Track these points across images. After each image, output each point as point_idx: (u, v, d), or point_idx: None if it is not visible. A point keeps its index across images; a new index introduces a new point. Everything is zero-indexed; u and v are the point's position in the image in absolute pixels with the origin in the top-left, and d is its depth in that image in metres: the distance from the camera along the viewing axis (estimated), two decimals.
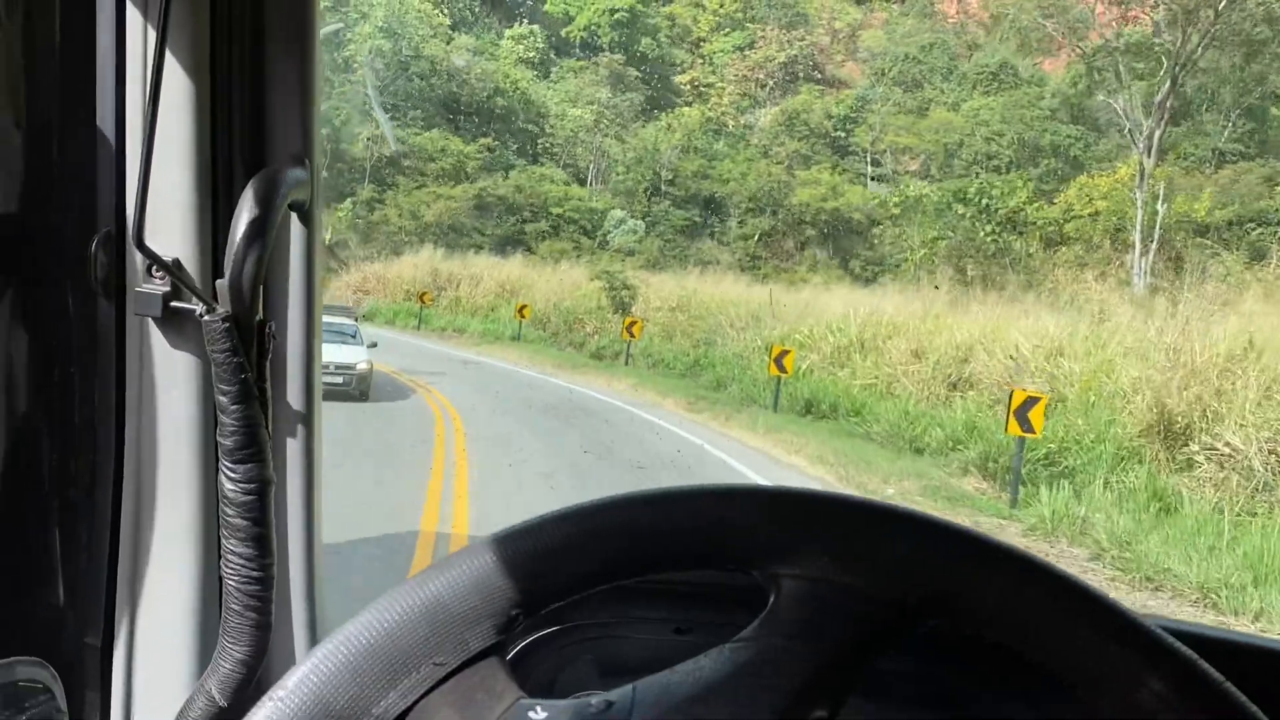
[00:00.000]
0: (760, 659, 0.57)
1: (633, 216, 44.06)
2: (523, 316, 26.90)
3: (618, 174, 47.21)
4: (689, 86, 57.00)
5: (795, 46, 56.51)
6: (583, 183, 47.60)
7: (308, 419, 1.07)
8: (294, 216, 1.03)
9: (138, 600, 1.01)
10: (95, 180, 0.96)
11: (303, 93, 1.02)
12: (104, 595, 1.00)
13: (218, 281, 0.93)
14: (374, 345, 14.94)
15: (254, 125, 1.01)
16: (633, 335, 22.13)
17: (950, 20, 58.03)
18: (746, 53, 57.57)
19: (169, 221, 0.95)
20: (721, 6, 60.22)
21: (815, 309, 21.98)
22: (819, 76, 57.37)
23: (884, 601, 0.57)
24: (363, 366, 13.80)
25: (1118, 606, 0.56)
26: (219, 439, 0.94)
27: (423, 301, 29.98)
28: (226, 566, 0.95)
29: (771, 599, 0.59)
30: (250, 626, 0.94)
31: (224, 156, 0.99)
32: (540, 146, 49.13)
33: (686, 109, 52.92)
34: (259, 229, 0.92)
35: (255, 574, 0.95)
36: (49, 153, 0.96)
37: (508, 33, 55.48)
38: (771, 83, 56.35)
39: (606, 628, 0.94)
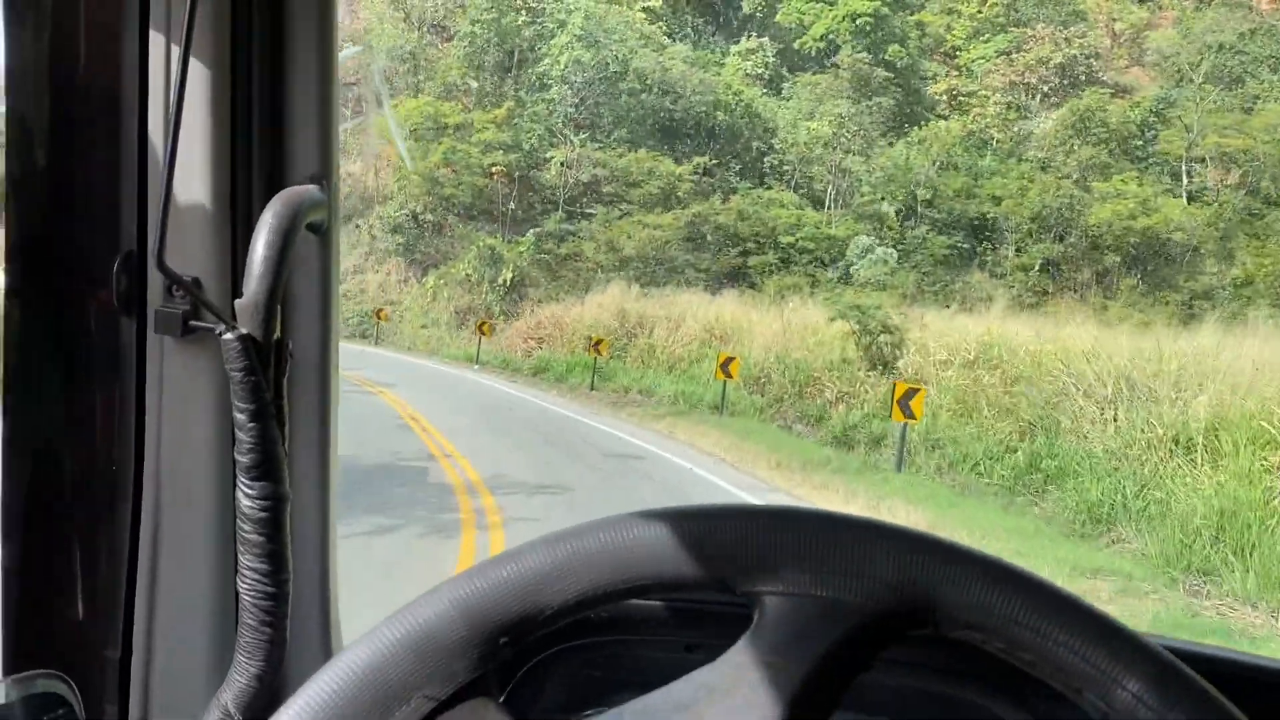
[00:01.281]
0: (745, 676, 0.58)
1: (882, 244, 34.77)
2: (729, 376, 18.27)
3: (862, 195, 38.22)
4: (944, 98, 47.29)
5: (1074, 45, 45.62)
6: (819, 206, 38.81)
7: (324, 437, 1.09)
8: (313, 237, 1.04)
9: (155, 614, 1.02)
10: (118, 201, 0.99)
11: (322, 114, 1.05)
12: (122, 609, 1.02)
13: (236, 301, 0.93)
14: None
15: (273, 146, 1.03)
16: (910, 413, 12.65)
17: (1266, 9, 45.37)
18: (1013, 57, 47.23)
19: (189, 241, 0.96)
20: (980, 11, 50.17)
21: (1223, 368, 11.96)
22: (1102, 80, 46.11)
23: (866, 613, 0.59)
24: None
25: (1093, 610, 0.58)
26: (236, 456, 0.94)
27: (596, 351, 22.15)
28: (242, 582, 0.95)
29: (755, 617, 0.60)
30: (265, 642, 0.94)
31: (244, 177, 1.01)
32: (767, 165, 40.94)
33: (942, 122, 43.35)
34: (277, 249, 0.91)
35: (270, 590, 0.95)
36: (73, 174, 0.98)
37: (734, 48, 47.93)
38: (1046, 88, 45.70)
39: (620, 646, 0.97)
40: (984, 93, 45.80)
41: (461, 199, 34.14)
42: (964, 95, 46.27)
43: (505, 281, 31.26)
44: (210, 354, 0.99)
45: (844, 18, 46.29)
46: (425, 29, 38.22)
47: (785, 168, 40.56)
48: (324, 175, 1.04)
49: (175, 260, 0.94)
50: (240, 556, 0.94)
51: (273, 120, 1.03)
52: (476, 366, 24.95)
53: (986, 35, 48.32)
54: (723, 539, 0.61)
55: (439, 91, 36.59)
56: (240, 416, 0.92)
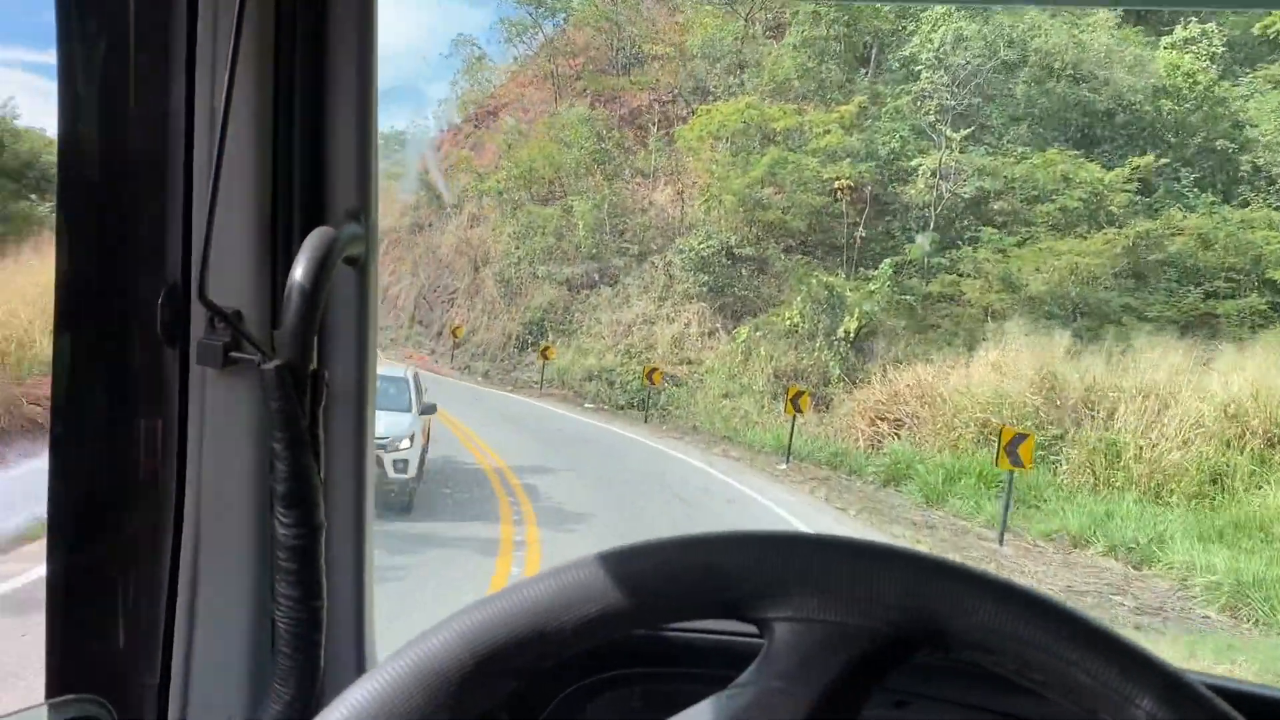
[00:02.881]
0: (756, 703, 0.59)
1: None
2: None
3: None
4: None
5: None
6: None
7: (360, 466, 1.10)
8: (351, 271, 1.06)
9: (193, 640, 1.04)
10: (163, 237, 1.01)
11: (360, 150, 1.06)
12: (161, 634, 1.04)
13: (275, 332, 0.97)
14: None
15: (313, 182, 1.05)
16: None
17: None
18: None
19: (231, 275, 0.99)
20: None
21: None
22: None
23: (874, 636, 0.59)
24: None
25: (1104, 628, 0.57)
26: (272, 484, 0.96)
27: (1014, 461, 11.13)
28: (278, 609, 0.97)
29: (766, 643, 0.61)
30: (300, 668, 0.97)
31: (284, 212, 1.03)
32: (1240, 174, 27.63)
33: None
34: (315, 282, 0.94)
35: (305, 617, 0.97)
36: (121, 212, 1.00)
37: (1164, 40, 34.79)
38: None
39: (650, 681, 0.99)
40: None
41: (791, 225, 25.65)
42: None
43: (847, 333, 21.79)
44: (250, 384, 1.02)
45: None
46: (752, 18, 29.59)
47: (1265, 180, 27.16)
48: (362, 210, 1.07)
49: (217, 293, 0.96)
50: (276, 584, 0.97)
51: (313, 157, 1.05)
52: (784, 466, 15.00)
53: None
54: (730, 565, 0.61)
55: (767, 90, 27.74)
56: (277, 446, 0.94)
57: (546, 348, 24.83)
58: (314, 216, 1.03)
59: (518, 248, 28.34)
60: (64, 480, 1.03)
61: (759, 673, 0.60)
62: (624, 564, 0.60)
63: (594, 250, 27.09)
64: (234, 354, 0.99)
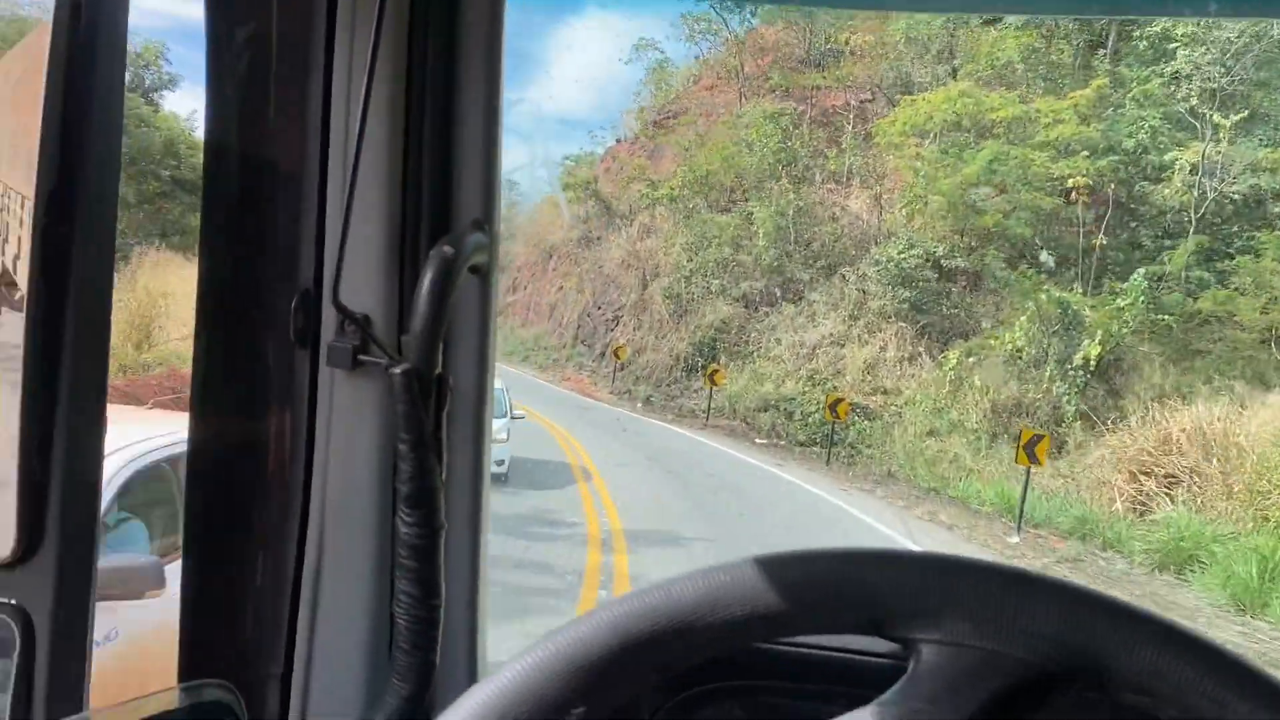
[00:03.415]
0: None
1: None
2: None
3: None
4: None
5: None
6: None
7: (477, 469, 1.12)
8: (474, 278, 1.08)
9: (315, 632, 1.08)
10: (298, 243, 1.05)
11: (487, 161, 1.09)
12: (285, 626, 1.08)
13: (403, 337, 1.01)
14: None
15: (441, 191, 1.08)
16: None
17: None
18: None
19: (361, 281, 1.03)
20: None
21: None
22: None
23: (1028, 668, 0.58)
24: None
25: (1273, 678, 0.56)
26: (397, 485, 0.99)
27: None
28: (398, 606, 1.00)
29: (911, 665, 0.60)
30: (418, 665, 1.00)
31: (412, 220, 1.06)
32: None
33: None
34: (442, 290, 0.97)
35: (424, 615, 1.00)
36: (260, 219, 1.05)
37: None
38: None
39: (768, 693, 0.99)
40: None
41: (1013, 231, 21.71)
42: None
43: (1086, 360, 17.71)
44: (376, 387, 1.05)
45: None
46: None
47: None
48: (486, 220, 1.09)
49: (347, 298, 1.00)
50: (396, 582, 1.00)
51: (441, 167, 1.08)
52: (1016, 539, 11.22)
53: None
54: (879, 581, 0.61)
55: (985, 76, 23.87)
56: (402, 447, 0.97)
57: (715, 371, 22.14)
58: (440, 225, 1.07)
59: (690, 260, 26.18)
60: (200, 472, 1.08)
61: (903, 694, 0.59)
62: (773, 570, 0.61)
63: (775, 262, 24.49)
64: (362, 357, 1.02)
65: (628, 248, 28.74)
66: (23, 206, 0.83)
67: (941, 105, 22.74)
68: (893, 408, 19.52)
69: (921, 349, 20.95)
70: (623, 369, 25.66)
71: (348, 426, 1.06)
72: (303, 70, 1.02)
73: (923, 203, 22.56)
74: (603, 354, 27.19)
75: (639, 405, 23.29)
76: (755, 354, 22.99)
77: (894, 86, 26.05)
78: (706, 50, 32.30)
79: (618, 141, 34.34)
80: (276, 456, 1.07)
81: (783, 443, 19.24)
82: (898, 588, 0.60)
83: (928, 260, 21.94)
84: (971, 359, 19.37)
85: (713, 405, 21.75)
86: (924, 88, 24.70)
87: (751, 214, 25.22)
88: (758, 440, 19.27)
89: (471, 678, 1.12)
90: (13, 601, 0.84)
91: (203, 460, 1.08)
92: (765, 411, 20.74)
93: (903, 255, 22.00)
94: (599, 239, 30.77)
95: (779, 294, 24.20)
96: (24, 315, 0.80)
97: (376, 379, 1.04)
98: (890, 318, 21.70)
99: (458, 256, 0.98)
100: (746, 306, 24.41)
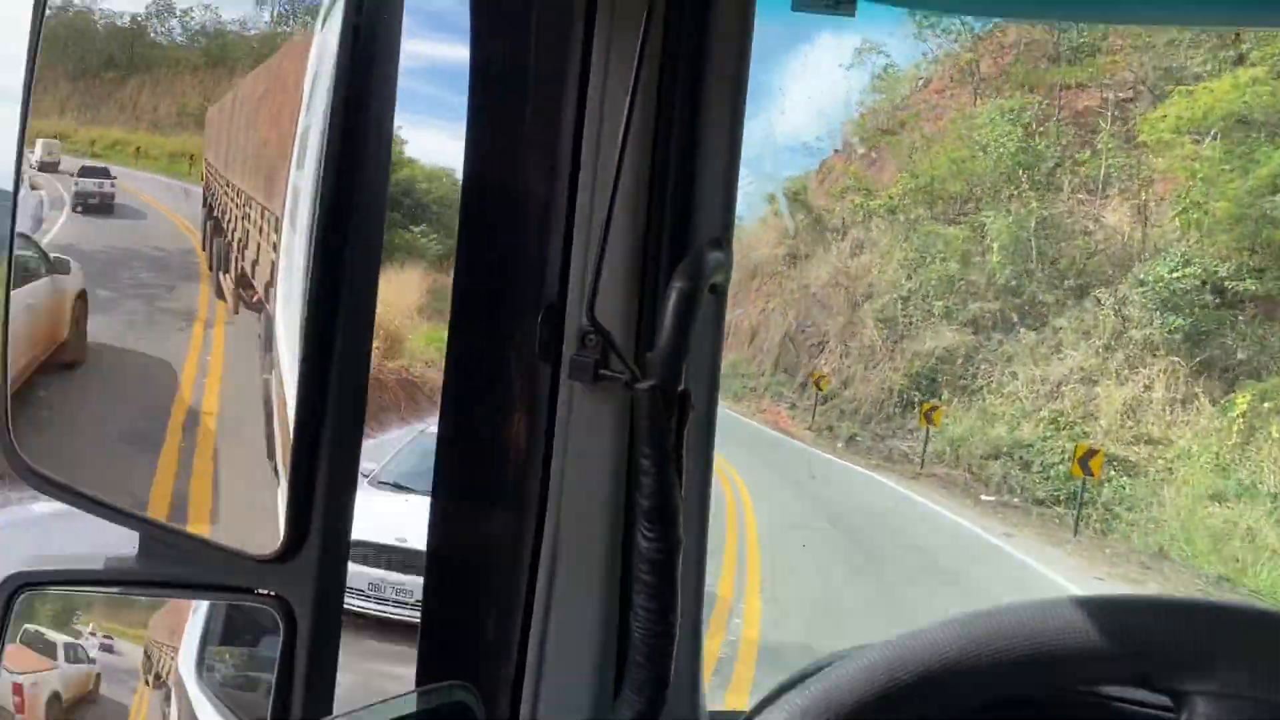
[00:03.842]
0: None
1: None
2: None
3: None
4: None
5: None
6: None
7: (704, 487, 1.15)
8: (710, 296, 1.10)
9: (547, 639, 1.10)
10: (545, 262, 1.10)
11: (727, 179, 1.12)
12: (519, 631, 1.11)
13: (648, 354, 1.02)
14: None
15: (683, 211, 1.10)
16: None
17: None
18: None
19: (604, 297, 1.05)
20: None
21: None
22: None
23: None
24: None
25: None
26: (639, 499, 1.01)
27: None
28: (635, 620, 1.02)
29: (1183, 716, 0.61)
30: (652, 679, 1.02)
31: (654, 238, 1.09)
32: None
33: None
34: (687, 308, 1.00)
35: (661, 630, 1.01)
36: (511, 240, 1.11)
37: None
38: None
39: None
40: None
41: None
42: None
43: None
44: (613, 401, 1.07)
45: None
46: None
47: None
48: (724, 238, 1.11)
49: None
50: (635, 596, 1.02)
51: (684, 187, 1.10)
52: None
53: None
54: (1149, 631, 0.62)
55: None
56: (645, 462, 1.00)
57: (933, 408, 19.38)
58: (680, 245, 1.10)
59: (909, 278, 23.78)
60: (446, 478, 1.13)
61: None
62: (1034, 618, 0.62)
63: (1012, 281, 21.67)
64: (603, 371, 1.05)
65: (838, 265, 26.57)
66: (262, 215, 0.90)
67: (1226, 96, 19.28)
68: (1161, 462, 16.34)
69: (1198, 389, 17.65)
70: (825, 401, 23.41)
71: (585, 438, 1.09)
72: (556, 105, 1.08)
73: (1201, 213, 19.21)
74: (804, 384, 25.10)
75: (839, 445, 20.83)
76: (984, 389, 20.16)
77: (1163, 80, 22.46)
78: (936, 49, 29.47)
79: (835, 153, 32.16)
80: (516, 465, 1.11)
81: (1015, 500, 16.26)
82: (1165, 636, 0.60)
83: (1206, 282, 18.77)
84: (1267, 404, 15.79)
85: (929, 449, 19.04)
86: (1199, 79, 21.03)
87: (984, 225, 22.60)
88: (984, 497, 16.32)
89: (695, 694, 1.16)
90: (278, 594, 0.89)
91: (449, 466, 1.13)
92: (995, 460, 17.86)
93: (1175, 275, 18.84)
94: (807, 256, 28.80)
95: (1016, 318, 21.33)
96: (300, 320, 0.85)
97: (613, 393, 1.06)
98: (1158, 350, 18.62)
99: (701, 275, 1.02)
100: (976, 332, 21.69)
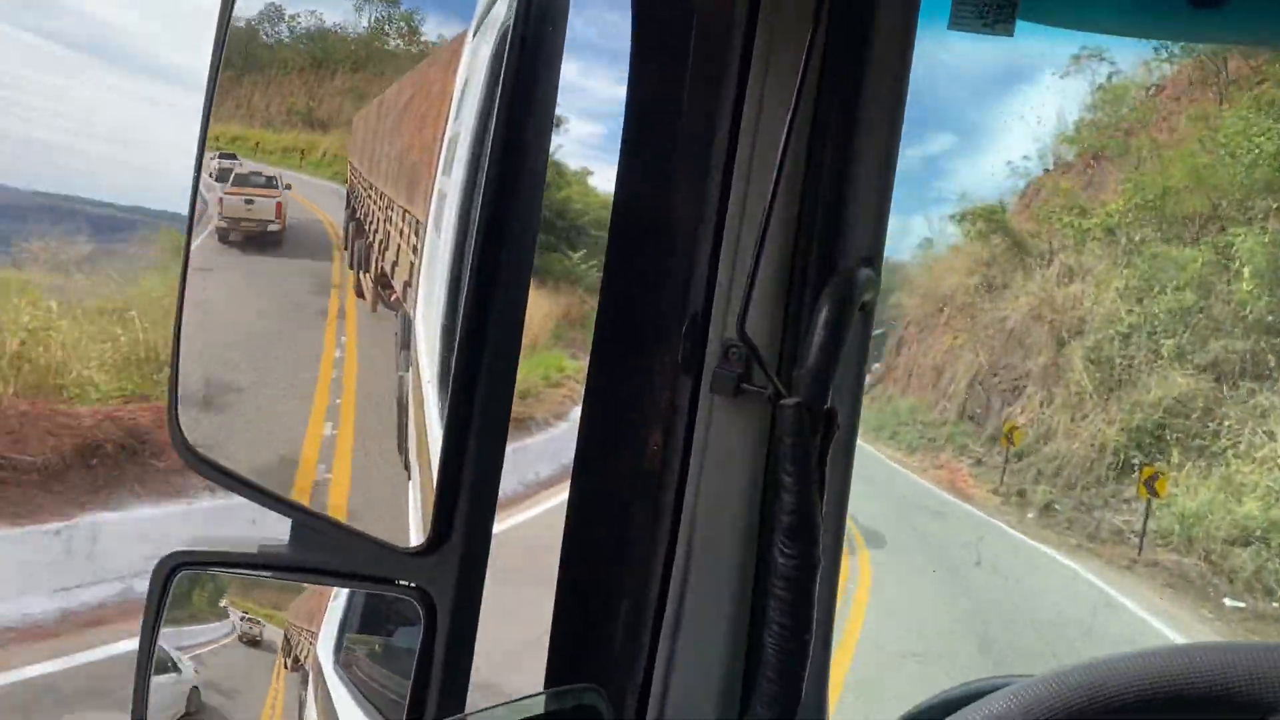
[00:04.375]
0: None
1: None
2: None
3: None
4: None
5: None
6: None
7: (841, 506, 1.17)
8: (859, 315, 1.11)
9: (676, 648, 1.12)
10: (691, 275, 1.11)
11: (880, 196, 1.13)
12: (649, 639, 1.13)
13: (796, 371, 1.04)
14: None
15: (834, 227, 1.11)
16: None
17: None
18: None
19: (751, 312, 1.05)
20: None
21: None
22: None
23: None
24: None
25: None
26: (779, 515, 1.03)
27: None
28: (769, 635, 1.04)
29: None
30: (784, 696, 1.04)
31: (802, 253, 1.11)
32: None
33: None
34: (838, 326, 1.02)
35: (795, 648, 1.03)
36: (658, 252, 1.13)
37: None
38: None
39: None
40: None
41: None
42: None
43: None
44: (753, 415, 1.09)
45: None
46: None
47: None
48: (874, 257, 1.12)
49: (734, 329, 1.07)
50: (769, 611, 1.04)
51: (836, 203, 1.11)
52: None
53: None
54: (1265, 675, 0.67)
55: None
56: (787, 479, 1.01)
57: (1157, 475, 15.16)
58: (830, 260, 1.10)
59: (1130, 310, 19.76)
60: (584, 484, 1.15)
61: None
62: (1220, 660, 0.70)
63: (1268, 316, 17.35)
64: (745, 385, 1.06)
65: (1041, 295, 22.74)
66: (404, 218, 0.93)
67: None
68: None
69: None
70: (1017, 459, 19.49)
71: (723, 452, 1.11)
72: (714, 103, 1.10)
73: None
74: (994, 437, 21.25)
75: (1029, 515, 16.80)
76: (1229, 452, 15.72)
77: None
78: (1173, 45, 25.33)
79: (1045, 172, 28.39)
80: (654, 474, 1.13)
81: (1276, 604, 12.08)
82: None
83: None
84: None
85: (1151, 527, 14.80)
86: None
87: (1230, 245, 18.35)
88: (1228, 601, 12.16)
89: (821, 713, 1.17)
90: (420, 586, 0.91)
91: (587, 473, 1.15)
92: (1244, 547, 13.48)
93: None
94: (1005, 286, 25.08)
95: (1274, 362, 16.85)
96: (459, 322, 0.87)
97: (754, 408, 1.08)
98: None
99: (852, 293, 1.03)
100: (1218, 379, 17.35)
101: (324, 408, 1.00)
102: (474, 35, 0.87)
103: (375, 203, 0.98)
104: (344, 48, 1.07)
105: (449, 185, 0.88)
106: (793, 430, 0.99)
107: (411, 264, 0.92)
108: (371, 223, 0.98)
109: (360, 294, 0.99)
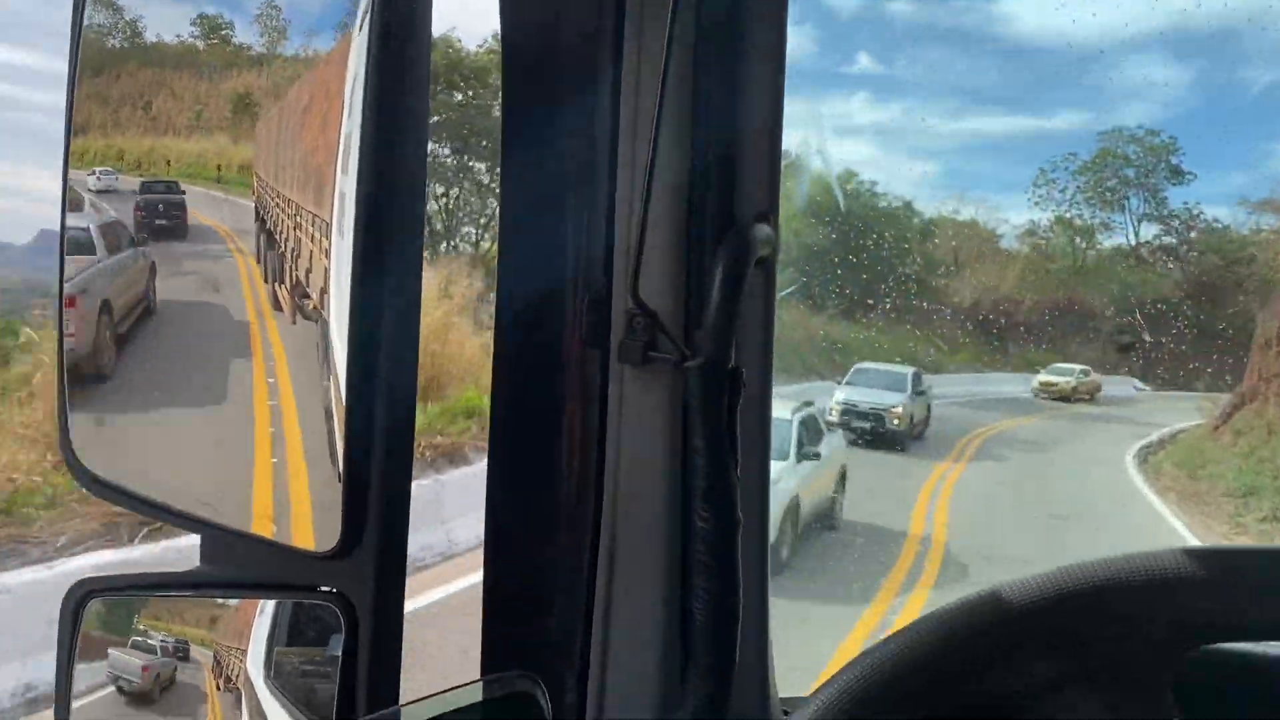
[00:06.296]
0: None
1: None
2: None
3: None
4: None
5: None
6: None
7: (762, 465, 1.15)
8: (758, 270, 1.10)
9: (610, 625, 1.10)
10: (588, 245, 1.09)
11: (771, 153, 1.12)
12: (582, 620, 1.11)
13: (696, 332, 1.02)
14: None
15: (725, 185, 1.10)
16: None
17: None
18: None
19: (648, 278, 1.04)
20: None
21: None
22: None
23: None
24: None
25: None
26: (694, 481, 1.02)
27: None
28: (696, 603, 1.02)
29: None
30: (718, 663, 1.03)
31: (697, 215, 1.08)
32: None
33: None
34: (733, 284, 1.01)
35: (723, 612, 1.02)
36: (554, 224, 1.09)
37: None
38: None
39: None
40: None
41: None
42: None
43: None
44: (664, 382, 1.06)
45: None
46: None
47: None
48: (769, 212, 1.10)
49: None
50: (694, 578, 1.02)
51: (725, 160, 1.09)
52: None
53: None
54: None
55: None
56: (699, 442, 1.00)
57: None
58: (724, 219, 1.08)
59: None
60: (501, 471, 1.12)
61: None
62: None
63: None
64: (651, 353, 1.03)
65: None
66: (313, 223, 0.90)
67: None
68: None
69: None
70: None
71: (637, 422, 1.08)
72: (591, 68, 1.07)
73: None
74: None
75: None
76: None
77: None
78: None
79: None
80: (570, 452, 1.10)
81: None
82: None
83: None
84: None
85: None
86: None
87: None
88: None
89: (764, 676, 1.15)
90: (338, 590, 0.89)
91: (502, 458, 1.11)
92: None
93: None
94: None
95: None
96: (347, 324, 0.84)
97: (664, 375, 1.06)
98: None
99: (746, 250, 1.02)
100: None
101: (244, 422, 0.97)
102: (359, 28, 0.85)
103: (283, 210, 0.95)
104: (249, 53, 1.03)
105: (348, 184, 0.85)
106: (698, 393, 0.98)
107: (325, 269, 0.89)
108: (282, 232, 0.96)
109: (278, 307, 0.95)
